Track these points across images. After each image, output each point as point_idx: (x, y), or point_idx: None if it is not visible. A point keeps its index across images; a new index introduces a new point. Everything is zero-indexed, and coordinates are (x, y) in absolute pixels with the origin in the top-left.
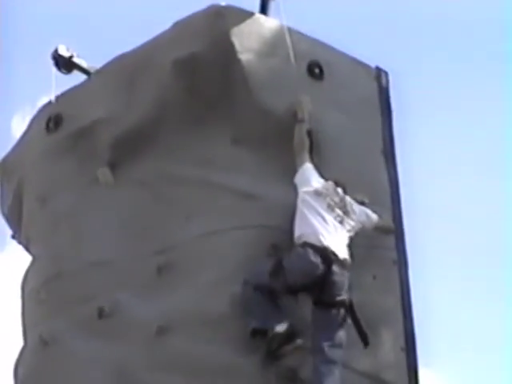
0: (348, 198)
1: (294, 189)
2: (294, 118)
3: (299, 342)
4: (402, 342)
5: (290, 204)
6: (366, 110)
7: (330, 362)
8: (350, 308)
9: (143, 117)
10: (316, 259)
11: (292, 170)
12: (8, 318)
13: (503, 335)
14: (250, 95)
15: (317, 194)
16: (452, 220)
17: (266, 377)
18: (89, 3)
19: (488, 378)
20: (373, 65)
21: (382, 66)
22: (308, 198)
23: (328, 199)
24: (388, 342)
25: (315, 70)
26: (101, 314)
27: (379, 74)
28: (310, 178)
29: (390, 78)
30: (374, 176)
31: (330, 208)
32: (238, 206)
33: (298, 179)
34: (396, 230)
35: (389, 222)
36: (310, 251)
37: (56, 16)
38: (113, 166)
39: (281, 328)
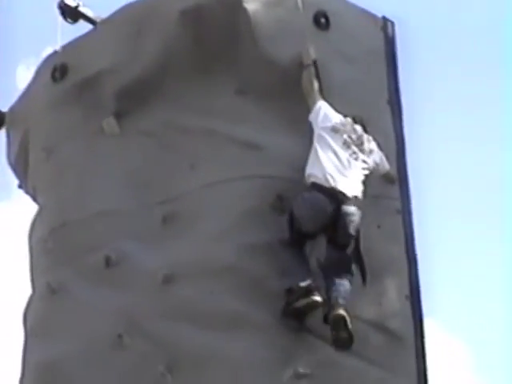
0: (366, 136)
1: (309, 127)
2: (299, 68)
3: (317, 298)
4: (406, 290)
5: (295, 154)
6: (372, 61)
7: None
8: (355, 242)
9: (149, 66)
10: (324, 201)
11: (297, 120)
12: (15, 267)
13: (505, 283)
14: (255, 45)
15: (334, 130)
16: (454, 170)
17: (273, 325)
18: None
19: (491, 325)
20: (379, 15)
21: (388, 15)
22: (324, 134)
23: (345, 136)
24: (393, 291)
25: (321, 20)
26: (107, 262)
27: (386, 25)
28: (327, 114)
29: (397, 28)
30: (380, 126)
31: (346, 145)
32: (243, 157)
33: (313, 117)
34: (400, 180)
35: (394, 171)
36: (317, 194)
37: None
38: (118, 116)
39: (303, 283)
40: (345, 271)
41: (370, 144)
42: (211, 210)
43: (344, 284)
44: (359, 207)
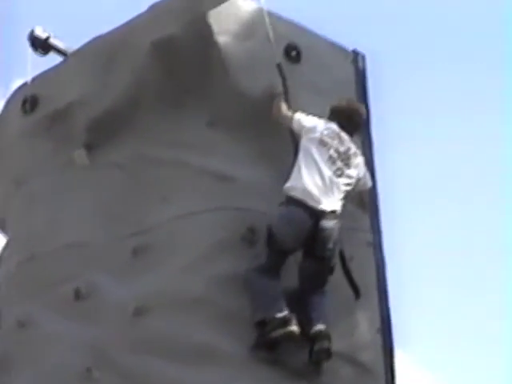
0: (354, 150)
1: (292, 137)
2: (270, 99)
3: (294, 328)
4: (377, 323)
5: (266, 186)
6: (342, 93)
7: (320, 293)
8: (341, 259)
9: (120, 99)
10: (302, 216)
11: (269, 152)
12: None
13: (476, 319)
14: (226, 77)
15: (322, 143)
16: (427, 203)
17: (244, 357)
18: None
19: (462, 358)
20: (350, 48)
21: (359, 48)
22: (311, 146)
23: (331, 151)
24: (364, 323)
25: (292, 53)
26: (77, 295)
27: (356, 57)
28: (314, 124)
29: (367, 60)
30: None
31: (332, 160)
32: (214, 188)
33: (297, 127)
34: (371, 212)
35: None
36: (296, 209)
37: None
38: (89, 148)
39: (280, 314)
40: (321, 284)
41: (356, 159)
42: (182, 242)
43: (322, 303)
44: (338, 221)
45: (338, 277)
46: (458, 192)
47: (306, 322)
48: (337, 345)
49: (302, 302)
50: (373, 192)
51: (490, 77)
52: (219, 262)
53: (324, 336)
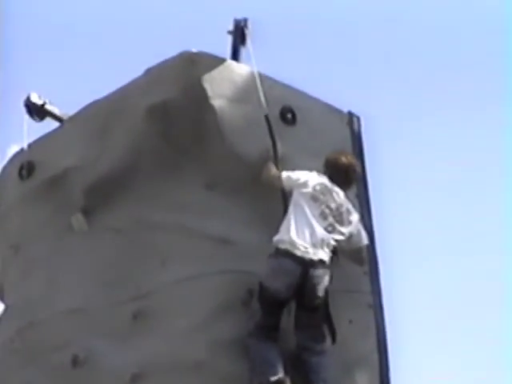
0: (346, 207)
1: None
2: (266, 163)
3: None
4: None
5: (266, 249)
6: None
7: (319, 353)
8: (324, 303)
9: (116, 163)
10: (291, 265)
11: (268, 214)
12: None
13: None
14: (222, 141)
15: (313, 198)
16: (426, 262)
17: None
18: (58, 51)
19: None
20: (345, 110)
21: (354, 110)
22: (302, 201)
23: (323, 207)
24: None
25: (288, 116)
26: (74, 362)
27: (351, 119)
28: (306, 178)
29: (363, 122)
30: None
31: (323, 216)
32: (213, 252)
33: (287, 184)
34: (371, 273)
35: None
36: (283, 259)
37: (24, 62)
38: (87, 213)
39: (273, 378)
40: (316, 336)
41: (349, 216)
42: (182, 306)
43: (322, 364)
44: (326, 269)
45: (337, 339)
46: (456, 245)
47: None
48: None
49: (301, 363)
50: (372, 252)
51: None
52: (220, 325)
53: None
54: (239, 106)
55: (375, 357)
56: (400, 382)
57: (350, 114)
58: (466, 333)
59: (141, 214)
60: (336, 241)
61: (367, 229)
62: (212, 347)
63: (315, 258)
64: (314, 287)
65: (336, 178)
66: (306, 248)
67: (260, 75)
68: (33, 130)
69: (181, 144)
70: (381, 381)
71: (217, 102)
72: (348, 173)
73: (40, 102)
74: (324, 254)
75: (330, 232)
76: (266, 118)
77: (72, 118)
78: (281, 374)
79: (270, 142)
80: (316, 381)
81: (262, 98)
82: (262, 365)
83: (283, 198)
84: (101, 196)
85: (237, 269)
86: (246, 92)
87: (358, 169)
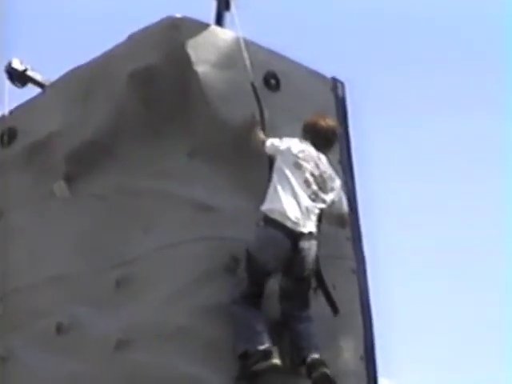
0: (329, 173)
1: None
2: (250, 128)
3: (276, 361)
4: (361, 350)
5: (248, 215)
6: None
7: (307, 320)
8: (318, 277)
9: (99, 129)
10: (281, 237)
11: (250, 181)
12: None
13: (461, 345)
14: (206, 107)
15: (296, 166)
16: (407, 227)
17: None
18: (43, 16)
19: None
20: (329, 75)
21: (338, 76)
22: (286, 169)
23: (307, 174)
24: (348, 351)
25: (271, 81)
26: (59, 329)
27: (335, 85)
28: (288, 145)
29: (347, 88)
30: None
31: (307, 184)
32: (196, 218)
33: (271, 151)
34: (354, 239)
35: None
36: (273, 230)
37: (8, 29)
38: (69, 180)
39: (261, 347)
40: (304, 306)
41: (332, 182)
42: (165, 273)
43: (309, 331)
44: (315, 240)
45: (320, 305)
46: (440, 211)
47: (295, 351)
48: None
49: (289, 330)
50: (354, 218)
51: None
52: (203, 292)
53: (321, 363)
54: (223, 71)
55: (359, 321)
56: (384, 345)
57: (334, 80)
58: (455, 292)
59: (123, 181)
60: (319, 209)
61: (350, 195)
62: (195, 313)
63: (305, 230)
64: (303, 259)
65: (316, 142)
66: (298, 219)
67: (244, 40)
68: (14, 97)
69: (164, 110)
70: (365, 345)
71: (200, 68)
72: (327, 136)
73: (22, 68)
74: (312, 225)
75: (313, 200)
76: (252, 85)
77: (54, 84)
78: (268, 344)
79: (254, 108)
80: (307, 347)
81: (248, 64)
82: (247, 333)
83: (269, 164)
84: (83, 162)
85: (220, 235)
86: (230, 57)
87: (338, 131)
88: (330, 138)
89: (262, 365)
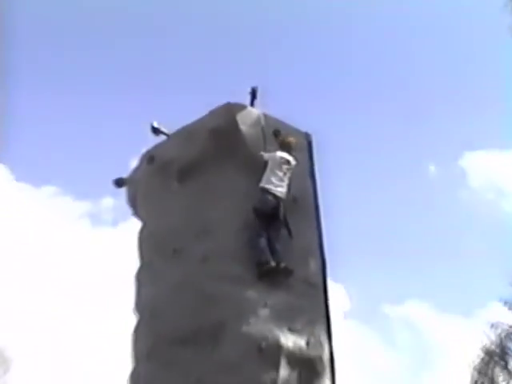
0: (293, 163)
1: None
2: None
3: (272, 264)
4: (317, 263)
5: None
6: (302, 156)
7: (279, 240)
8: (284, 217)
9: (195, 155)
10: (271, 198)
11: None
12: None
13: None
14: (245, 147)
15: (279, 164)
16: None
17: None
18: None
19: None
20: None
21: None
22: (274, 166)
23: (283, 165)
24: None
25: (276, 133)
26: None
27: (308, 136)
28: (274, 155)
29: (313, 138)
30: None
31: (283, 171)
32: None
33: (267, 158)
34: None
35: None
36: (268, 195)
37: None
38: (179, 181)
39: (265, 258)
40: (279, 232)
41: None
42: None
43: (279, 247)
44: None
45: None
46: None
47: (275, 257)
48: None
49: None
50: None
51: None
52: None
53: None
54: (253, 129)
55: (315, 241)
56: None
57: (307, 133)
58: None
59: (207, 179)
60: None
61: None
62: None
63: (280, 194)
64: (280, 208)
65: (284, 149)
66: (277, 188)
67: (263, 114)
68: (153, 141)
69: (227, 150)
70: (322, 263)
71: (243, 128)
72: (288, 146)
73: (157, 126)
74: (284, 191)
75: (284, 175)
76: (263, 130)
77: (173, 134)
78: (268, 256)
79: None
80: (280, 256)
81: (264, 124)
82: (261, 252)
83: (265, 165)
84: (186, 173)
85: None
86: (256, 122)
87: (293, 143)
88: (289, 146)
89: (268, 267)
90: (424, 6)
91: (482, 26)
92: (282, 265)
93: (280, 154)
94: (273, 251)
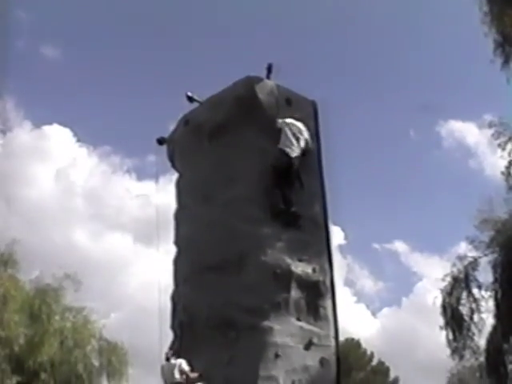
0: (302, 128)
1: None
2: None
3: (293, 209)
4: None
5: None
6: (309, 122)
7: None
8: (297, 172)
9: (222, 118)
10: (285, 157)
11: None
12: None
13: None
14: (264, 110)
15: (289, 124)
16: None
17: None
18: None
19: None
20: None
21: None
22: (286, 129)
23: (293, 129)
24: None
25: (288, 101)
26: None
27: (314, 103)
28: (288, 120)
29: (318, 105)
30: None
31: (295, 136)
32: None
33: (279, 125)
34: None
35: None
36: (283, 154)
37: None
38: (209, 139)
39: (283, 206)
40: (291, 184)
41: (303, 132)
42: None
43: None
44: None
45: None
46: None
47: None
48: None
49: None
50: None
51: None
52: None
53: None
54: (269, 96)
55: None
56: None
57: (313, 101)
58: None
59: (229, 143)
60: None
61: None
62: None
63: (294, 153)
64: (293, 165)
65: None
66: (292, 149)
67: (276, 85)
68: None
69: (247, 113)
70: (324, 206)
71: (260, 96)
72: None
73: (191, 95)
74: (296, 150)
75: (296, 139)
76: (277, 98)
77: (205, 101)
78: (283, 206)
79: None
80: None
81: (277, 94)
82: (277, 199)
83: (280, 129)
84: (215, 132)
85: None
86: (271, 91)
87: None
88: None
89: (279, 209)
90: None
91: None
92: (293, 209)
93: (291, 120)
94: (285, 198)
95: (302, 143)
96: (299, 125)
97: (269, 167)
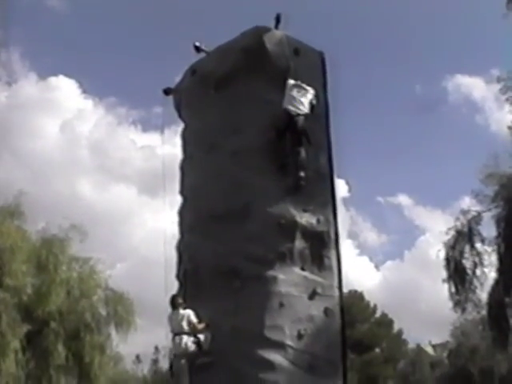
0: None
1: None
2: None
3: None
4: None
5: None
6: (317, 72)
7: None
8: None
9: (229, 68)
10: (290, 115)
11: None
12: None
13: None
14: (270, 59)
15: (295, 85)
16: None
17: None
18: None
19: None
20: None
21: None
22: (291, 92)
23: (300, 89)
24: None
25: (296, 51)
26: None
27: (321, 54)
28: (292, 81)
29: (326, 56)
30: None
31: (301, 93)
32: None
33: (286, 87)
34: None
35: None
36: (286, 112)
37: None
38: (215, 89)
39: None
40: (298, 139)
41: (308, 92)
42: None
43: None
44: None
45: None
46: None
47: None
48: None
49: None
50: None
51: None
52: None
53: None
54: (277, 46)
55: (325, 143)
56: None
57: (321, 52)
58: None
59: (236, 93)
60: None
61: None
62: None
63: (300, 111)
64: (299, 122)
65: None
66: (298, 107)
67: (285, 35)
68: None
69: (256, 63)
70: (329, 158)
71: (269, 46)
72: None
73: (198, 45)
74: (302, 108)
75: (304, 96)
76: (285, 48)
77: (212, 51)
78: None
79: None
80: (300, 166)
81: (286, 43)
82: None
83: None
84: (223, 80)
85: None
86: (280, 41)
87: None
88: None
89: (283, 161)
90: None
91: None
92: (301, 173)
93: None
94: (291, 152)
95: (307, 105)
96: (305, 86)
97: (274, 116)
